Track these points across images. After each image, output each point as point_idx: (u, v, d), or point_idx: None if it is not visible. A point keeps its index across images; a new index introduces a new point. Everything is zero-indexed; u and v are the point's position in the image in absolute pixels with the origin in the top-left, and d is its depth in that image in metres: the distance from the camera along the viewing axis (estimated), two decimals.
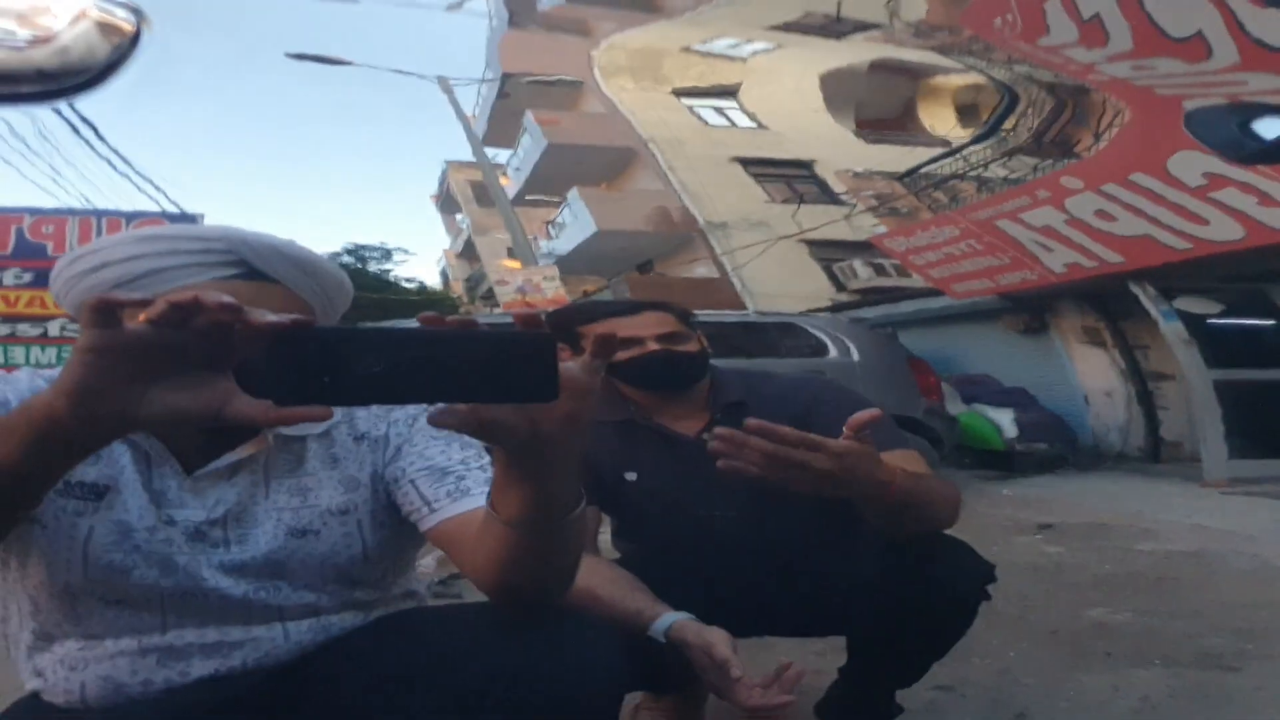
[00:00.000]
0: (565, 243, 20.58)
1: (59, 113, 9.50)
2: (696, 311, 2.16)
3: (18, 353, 6.78)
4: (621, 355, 1.96)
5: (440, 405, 0.87)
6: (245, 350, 0.81)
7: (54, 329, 6.80)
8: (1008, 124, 10.34)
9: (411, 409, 1.32)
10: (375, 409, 1.32)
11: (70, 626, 1.17)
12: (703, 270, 18.24)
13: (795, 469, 1.46)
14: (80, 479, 1.13)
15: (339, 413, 1.28)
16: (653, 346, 1.97)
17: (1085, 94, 8.63)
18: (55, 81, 0.89)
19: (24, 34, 0.87)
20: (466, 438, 1.29)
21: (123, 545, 1.14)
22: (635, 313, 2.03)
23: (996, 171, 11.44)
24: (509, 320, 0.85)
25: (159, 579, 1.15)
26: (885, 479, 1.53)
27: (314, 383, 0.75)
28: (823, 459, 1.46)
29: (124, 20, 0.92)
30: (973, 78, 13.04)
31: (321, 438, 1.28)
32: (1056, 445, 8.83)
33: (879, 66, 16.94)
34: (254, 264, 1.17)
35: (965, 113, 15.06)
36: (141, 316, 0.78)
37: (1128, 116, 7.04)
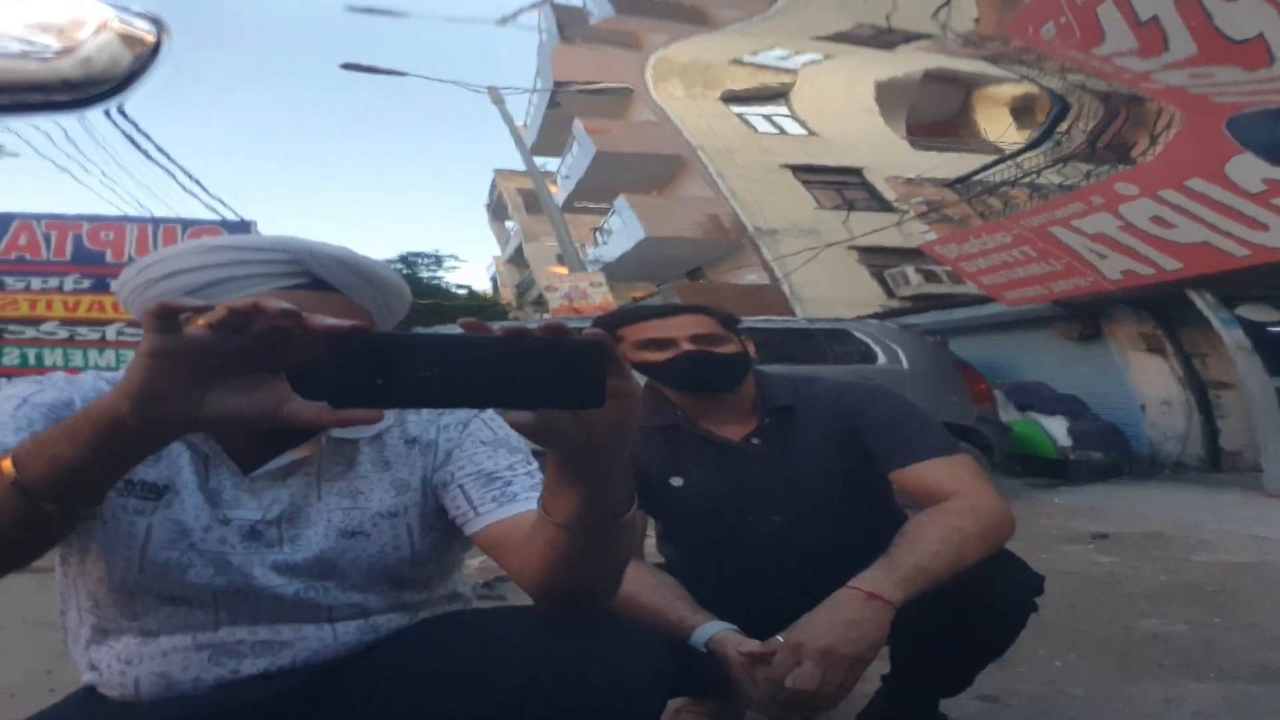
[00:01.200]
0: (613, 249, 20.58)
1: (114, 122, 9.68)
2: (746, 318, 2.14)
3: (77, 356, 6.95)
4: (656, 356, 1.96)
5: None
6: (301, 355, 0.83)
7: (111, 333, 6.97)
8: (1061, 127, 10.17)
9: (462, 414, 1.34)
10: (425, 414, 1.33)
11: (127, 622, 1.19)
12: (752, 277, 18.17)
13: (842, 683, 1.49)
14: (141, 478, 1.16)
15: (390, 416, 1.30)
16: (686, 347, 1.95)
17: (1140, 102, 8.50)
18: (80, 91, 0.91)
19: (55, 46, 0.89)
20: (514, 443, 1.32)
21: (179, 544, 1.16)
22: (673, 315, 2.02)
23: (1050, 178, 11.31)
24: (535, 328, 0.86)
25: (213, 577, 1.17)
26: (878, 614, 1.51)
27: (367, 386, 0.77)
28: (834, 676, 1.47)
29: (145, 31, 0.93)
30: (1026, 86, 12.90)
31: (373, 441, 1.29)
32: (1111, 454, 8.67)
33: (932, 77, 16.83)
34: (317, 273, 1.19)
35: (1021, 116, 14.85)
36: (201, 321, 0.80)
37: (1183, 122, 6.91)
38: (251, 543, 1.19)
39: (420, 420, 1.33)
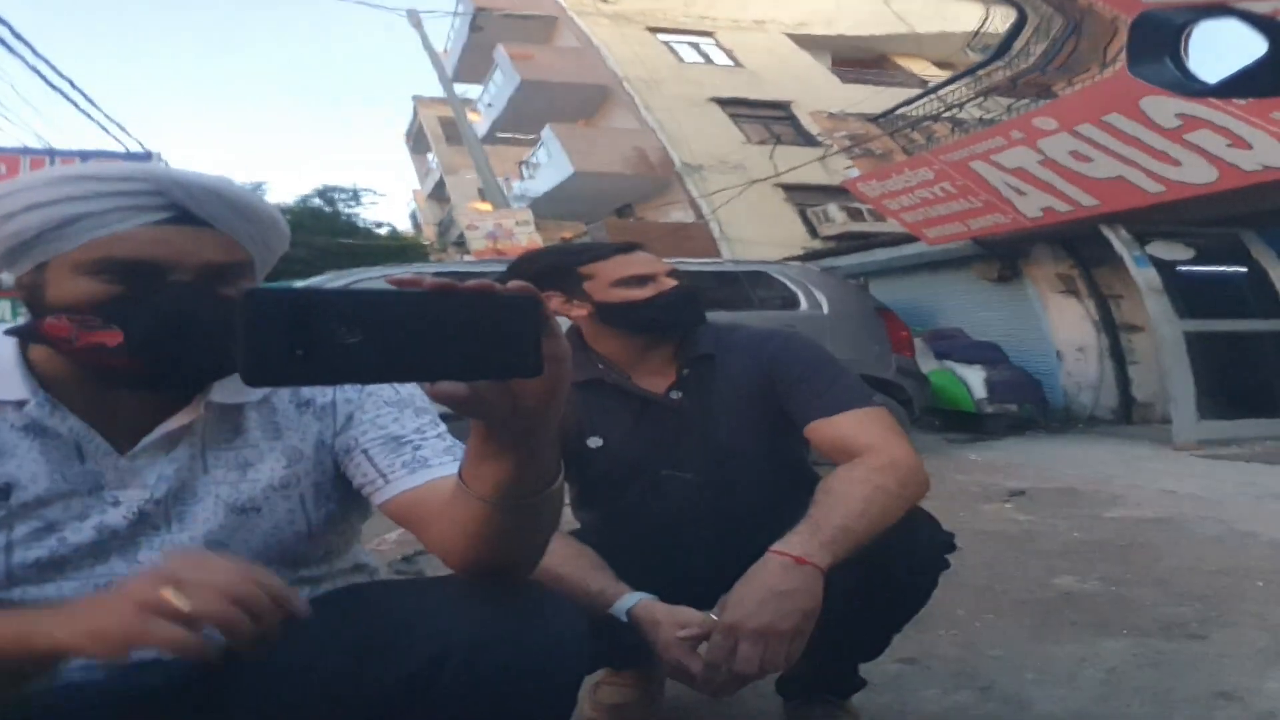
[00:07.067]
0: (541, 184, 20.19)
1: (11, 49, 9.15)
2: (674, 259, 2.08)
3: None
4: (638, 294, 1.87)
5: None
6: None
7: (8, 280, 6.52)
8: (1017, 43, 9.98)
9: None
10: None
11: None
12: (679, 214, 18.06)
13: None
14: None
15: None
16: (670, 282, 1.88)
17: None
18: None
19: None
20: (420, 402, 1.25)
21: (46, 542, 1.07)
22: (630, 252, 1.94)
23: (972, 112, 11.37)
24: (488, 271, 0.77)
25: (94, 567, 1.09)
26: (809, 580, 1.46)
27: (285, 357, 0.67)
28: (775, 654, 1.43)
29: None
30: None
31: (261, 405, 1.21)
32: (1026, 407, 8.73)
33: None
34: (186, 206, 1.07)
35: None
36: None
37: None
38: (138, 525, 1.11)
39: None
